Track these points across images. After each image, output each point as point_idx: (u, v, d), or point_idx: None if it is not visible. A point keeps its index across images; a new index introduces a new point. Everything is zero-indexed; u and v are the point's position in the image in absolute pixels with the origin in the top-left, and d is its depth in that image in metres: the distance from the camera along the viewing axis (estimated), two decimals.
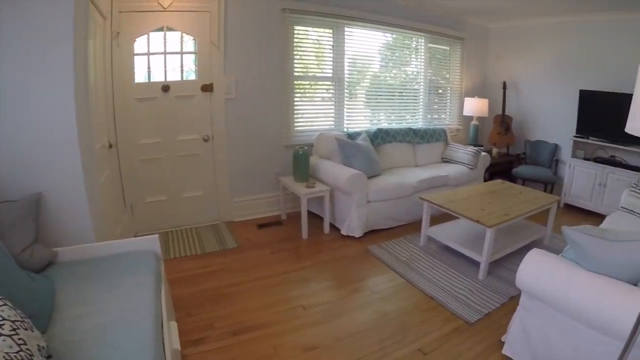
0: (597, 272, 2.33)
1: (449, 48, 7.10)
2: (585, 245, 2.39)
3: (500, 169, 6.93)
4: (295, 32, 5.28)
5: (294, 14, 5.13)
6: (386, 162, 5.67)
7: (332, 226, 4.99)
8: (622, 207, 4.56)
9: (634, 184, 4.62)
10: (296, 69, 5.38)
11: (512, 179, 6.77)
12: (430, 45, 6.73)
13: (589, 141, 6.15)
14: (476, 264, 4.07)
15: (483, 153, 6.26)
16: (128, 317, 1.96)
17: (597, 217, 5.96)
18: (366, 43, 6.02)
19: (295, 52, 5.33)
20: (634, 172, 5.65)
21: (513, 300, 3.50)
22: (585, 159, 6.22)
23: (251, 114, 5.10)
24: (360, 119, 6.22)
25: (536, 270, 2.59)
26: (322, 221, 4.94)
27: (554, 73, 6.79)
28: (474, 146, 6.56)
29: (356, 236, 4.74)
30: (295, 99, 5.45)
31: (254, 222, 5.16)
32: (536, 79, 7.05)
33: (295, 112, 5.48)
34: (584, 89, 6.15)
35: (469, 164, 6.02)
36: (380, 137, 5.71)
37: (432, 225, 4.67)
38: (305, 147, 4.92)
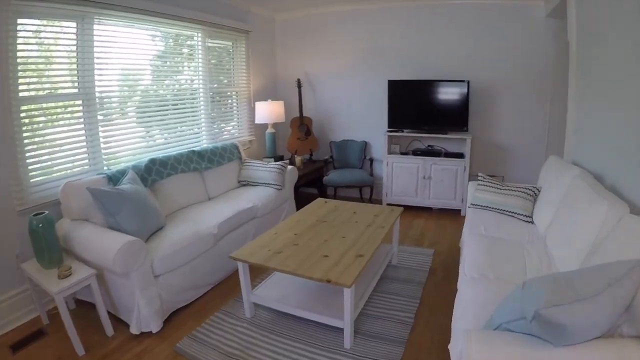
0: (572, 343, 1.57)
1: (231, 43, 5.67)
2: (568, 322, 1.51)
3: (309, 180, 5.81)
4: (20, 28, 3.16)
5: (15, 0, 3.02)
6: (169, 205, 3.99)
7: (117, 320, 3.17)
8: (472, 204, 3.78)
9: (480, 177, 3.87)
10: (25, 88, 3.26)
11: (324, 188, 5.75)
12: (209, 43, 5.19)
13: (404, 134, 5.49)
14: (335, 327, 2.82)
15: (289, 166, 5.02)
16: None
17: (427, 213, 5.51)
18: (128, 42, 4.17)
19: (20, 61, 3.20)
20: (457, 159, 5.11)
21: None
22: (403, 153, 5.53)
23: None
24: (128, 149, 4.26)
25: None
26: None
27: (356, 65, 6.00)
28: (276, 160, 5.34)
29: (154, 331, 3.02)
30: (26, 135, 3.29)
31: (4, 342, 3.00)
32: (335, 73, 6.16)
33: (28, 155, 3.31)
34: (392, 79, 5.50)
35: (275, 184, 4.71)
36: (155, 171, 3.95)
37: (254, 284, 3.26)
38: (46, 212, 2.95)
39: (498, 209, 3.59)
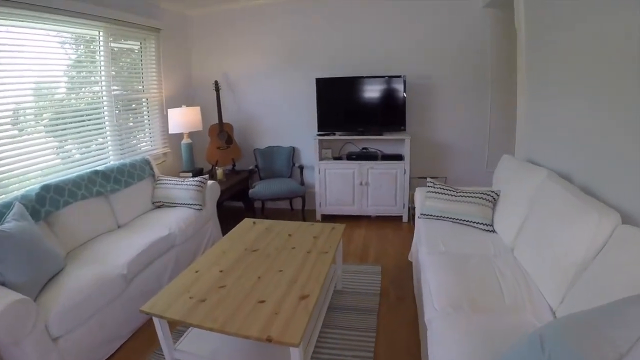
0: None
1: (139, 43, 4.85)
2: None
3: (233, 194, 5.17)
4: None
5: None
6: (70, 240, 3.19)
7: None
8: (423, 214, 3.34)
9: (430, 183, 3.44)
10: None
11: (250, 201, 5.18)
12: (113, 43, 4.36)
13: (336, 137, 5.02)
14: None
15: (210, 182, 4.37)
16: None
17: (366, 222, 5.07)
18: (18, 45, 3.30)
19: None
20: (396, 162, 4.71)
21: None
22: (336, 158, 5.05)
23: None
24: (22, 174, 3.35)
25: None
26: None
27: (280, 63, 5.40)
28: (194, 174, 4.70)
29: None
30: None
31: None
32: (257, 73, 5.52)
33: None
34: (320, 77, 4.97)
35: (194, 204, 4.04)
36: (49, 199, 3.13)
37: (178, 333, 2.66)
38: None
39: (454, 219, 3.18)
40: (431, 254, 2.73)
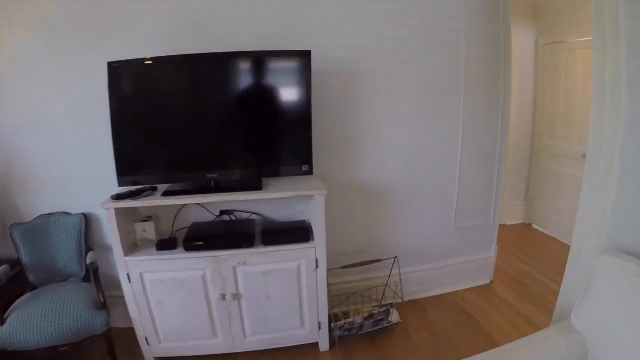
0: None
1: None
2: None
3: None
4: None
5: None
6: None
7: None
8: None
9: None
10: None
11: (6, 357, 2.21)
12: None
13: (158, 201, 2.21)
14: None
15: None
16: None
17: None
18: None
19: None
20: (296, 247, 2.20)
21: None
22: (164, 244, 2.31)
23: None
24: None
25: None
26: None
27: (64, 41, 2.49)
28: None
29: None
30: None
31: None
32: (17, 63, 2.52)
33: None
34: (115, 61, 2.20)
35: None
36: None
37: None
38: None
39: None
40: None
